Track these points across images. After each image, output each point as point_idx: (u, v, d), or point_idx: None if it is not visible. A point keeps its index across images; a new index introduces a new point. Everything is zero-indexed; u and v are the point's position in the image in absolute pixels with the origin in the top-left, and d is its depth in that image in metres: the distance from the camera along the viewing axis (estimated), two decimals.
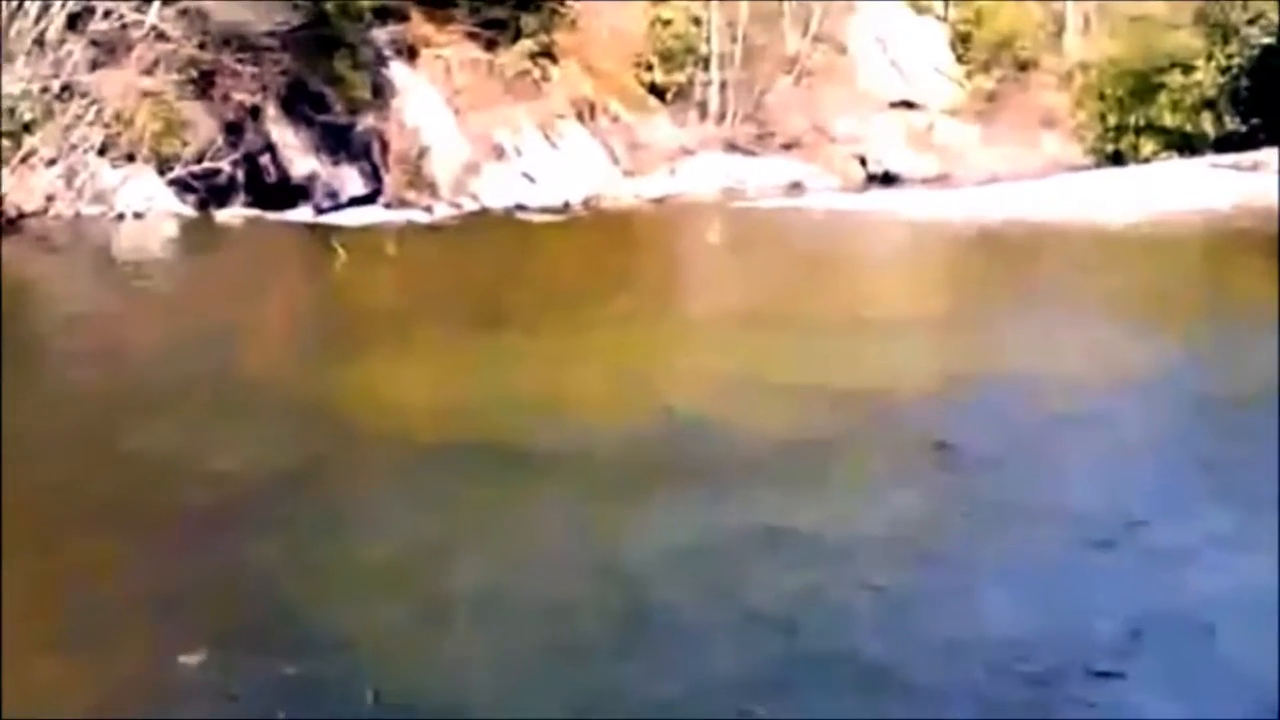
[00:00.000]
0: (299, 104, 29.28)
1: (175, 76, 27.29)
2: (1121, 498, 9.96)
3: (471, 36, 35.91)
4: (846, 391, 12.94)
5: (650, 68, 41.14)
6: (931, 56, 49.14)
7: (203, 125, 27.53)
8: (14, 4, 25.37)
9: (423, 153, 32.44)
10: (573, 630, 7.63)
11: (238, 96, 28.23)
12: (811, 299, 19.21)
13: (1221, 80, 40.53)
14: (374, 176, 30.69)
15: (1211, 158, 37.63)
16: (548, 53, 37.52)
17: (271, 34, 28.41)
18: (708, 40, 42.23)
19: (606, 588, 8.22)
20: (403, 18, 34.10)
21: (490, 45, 36.07)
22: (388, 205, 30.32)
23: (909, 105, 47.63)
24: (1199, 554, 8.81)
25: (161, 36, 27.44)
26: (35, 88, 25.11)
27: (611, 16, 41.45)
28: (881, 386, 13.22)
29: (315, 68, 29.90)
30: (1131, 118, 42.25)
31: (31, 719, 6.58)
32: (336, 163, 29.94)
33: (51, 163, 25.03)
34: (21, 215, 23.90)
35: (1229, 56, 40.60)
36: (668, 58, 41.19)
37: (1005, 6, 48.91)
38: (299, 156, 29.23)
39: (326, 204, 29.27)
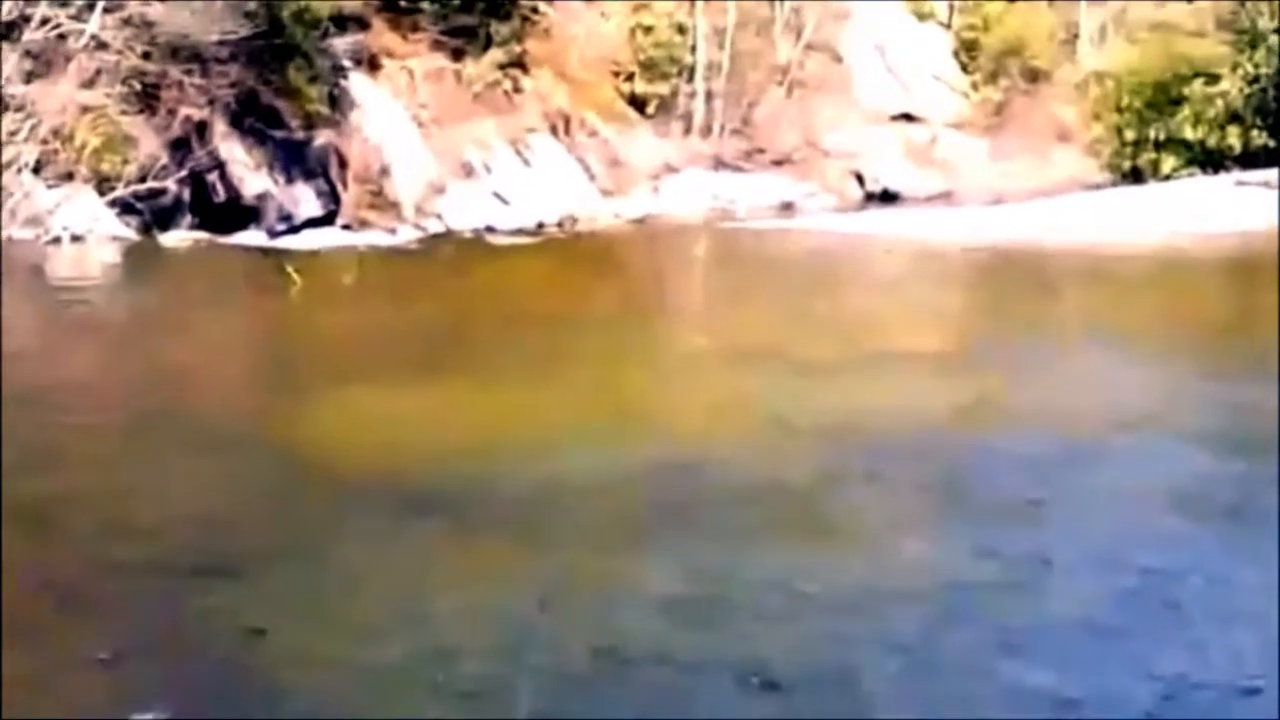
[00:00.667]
0: (250, 118, 29.26)
1: (117, 89, 27.25)
2: (1147, 545, 9.93)
3: (437, 45, 35.96)
4: (846, 430, 12.90)
5: (630, 78, 41.24)
6: (934, 65, 49.38)
7: (146, 142, 27.47)
8: None
9: (384, 171, 32.44)
10: (546, 704, 7.56)
11: (184, 111, 28.19)
12: (807, 331, 19.18)
13: (1248, 91, 40.65)
14: (331, 196, 30.65)
15: (1238, 174, 37.75)
16: (519, 63, 37.59)
17: (221, 43, 28.41)
18: (692, 48, 42.37)
19: (570, 654, 8.15)
20: (363, 25, 34.16)
21: (457, 55, 36.13)
22: (346, 227, 30.29)
23: (909, 118, 47.84)
24: (1238, 613, 8.79)
25: (102, 46, 27.42)
26: None
27: (588, 23, 41.56)
28: (885, 425, 13.19)
29: (268, 79, 29.89)
30: (1151, 131, 42.37)
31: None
32: (291, 182, 29.90)
33: None
34: None
35: (1256, 65, 40.75)
36: (649, 67, 41.31)
37: (1014, 11, 49.14)
38: (250, 175, 29.19)
39: (280, 226, 29.21)
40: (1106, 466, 12.10)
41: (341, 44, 32.92)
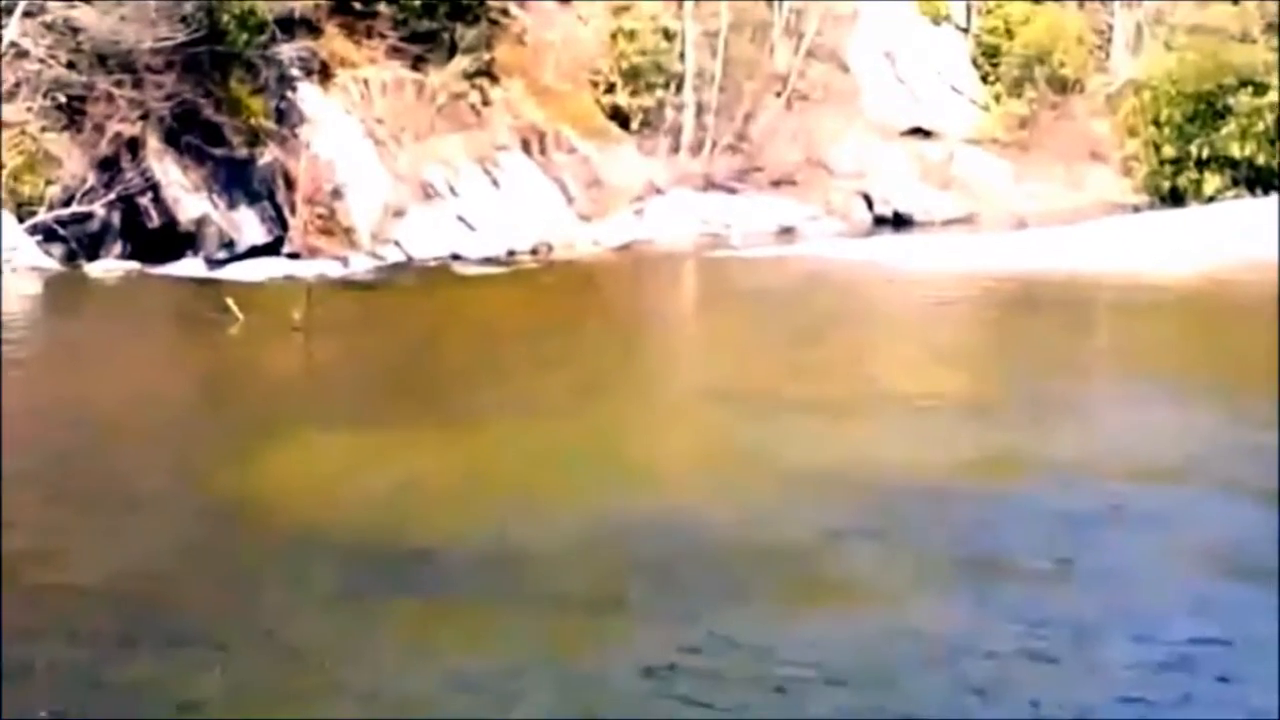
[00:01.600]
0: (187, 135, 29.31)
1: (39, 103, 27.28)
2: (1191, 610, 9.96)
3: (396, 53, 36.06)
4: (852, 481, 12.93)
5: (612, 89, 41.37)
6: (950, 74, 49.58)
7: (71, 161, 27.48)
8: None
9: (337, 193, 32.48)
10: None
11: (114, 126, 28.21)
12: (809, 371, 19.22)
13: None
14: (277, 221, 30.70)
15: None
16: (487, 72, 37.71)
17: (154, 51, 28.46)
18: (681, 56, 42.53)
19: None
20: (313, 30, 34.24)
21: (418, 63, 36.22)
22: (294, 256, 30.30)
23: (923, 133, 48.02)
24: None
25: (22, 55, 27.45)
26: None
27: (565, 28, 41.71)
28: (895, 477, 13.22)
29: (207, 91, 29.96)
30: (1192, 148, 42.50)
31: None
32: (232, 205, 29.95)
33: None
34: None
35: None
36: (633, 77, 41.45)
37: (1040, 14, 49.36)
38: (187, 198, 29.22)
39: (220, 255, 29.23)
40: (1143, 522, 12.14)
41: (289, 51, 32.99)
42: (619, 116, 41.16)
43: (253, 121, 30.70)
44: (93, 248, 27.71)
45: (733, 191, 41.56)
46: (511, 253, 33.77)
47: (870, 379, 18.89)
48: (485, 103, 37.45)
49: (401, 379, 18.79)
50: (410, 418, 15.93)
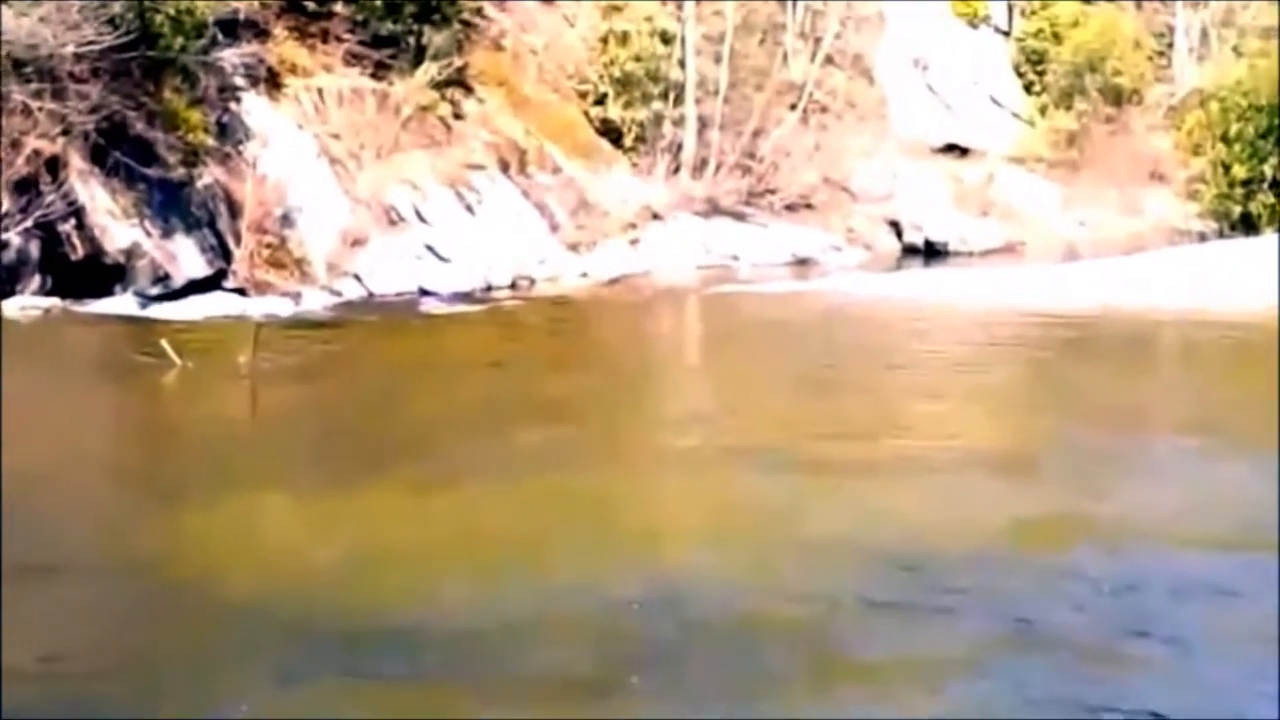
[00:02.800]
0: (116, 152, 29.35)
1: None
2: (1263, 695, 9.99)
3: (355, 59, 36.22)
4: (880, 549, 12.96)
5: (602, 100, 41.58)
6: (989, 83, 49.83)
7: None
8: None
9: (287, 219, 32.57)
10: None
11: (31, 143, 28.27)
12: (829, 424, 19.25)
13: None
14: (220, 252, 30.76)
15: None
16: (460, 80, 37.89)
17: (78, 57, 28.56)
18: (681, 62, 42.74)
19: None
20: (260, 33, 34.38)
21: (380, 71, 36.38)
22: (239, 291, 30.36)
23: (959, 151, 48.28)
24: None
25: None
26: None
27: (549, 30, 41.94)
28: (931, 544, 13.25)
29: (138, 103, 30.02)
30: (1266, 167, 42.68)
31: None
32: (168, 233, 30.00)
33: None
34: None
35: None
36: (626, 86, 41.66)
37: (1092, 15, 49.59)
38: (115, 225, 29.27)
39: (153, 290, 29.27)
40: (1209, 593, 12.16)
41: (232, 57, 33.09)
42: (610, 131, 41.34)
43: (190, 137, 30.74)
44: (7, 283, 27.73)
45: (741, 217, 41.75)
46: (488, 287, 33.86)
47: (900, 433, 18.91)
48: (457, 116, 37.60)
49: (362, 433, 18.79)
50: (371, 477, 15.93)
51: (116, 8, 29.21)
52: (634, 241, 38.88)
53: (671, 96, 42.29)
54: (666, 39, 42.56)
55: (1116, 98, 48.92)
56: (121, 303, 28.68)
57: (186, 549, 13.37)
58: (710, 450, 17.90)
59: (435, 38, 36.94)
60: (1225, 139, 43.79)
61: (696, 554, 13.38)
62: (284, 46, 35.14)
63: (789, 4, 46.57)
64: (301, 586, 12.23)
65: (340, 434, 18.82)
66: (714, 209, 41.44)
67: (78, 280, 28.55)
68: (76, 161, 28.94)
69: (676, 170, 41.98)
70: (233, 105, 33.00)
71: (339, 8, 36.09)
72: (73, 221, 28.74)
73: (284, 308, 29.95)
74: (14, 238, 27.67)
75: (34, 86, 28.29)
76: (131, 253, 29.32)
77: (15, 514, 14.00)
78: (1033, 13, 50.65)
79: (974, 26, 50.40)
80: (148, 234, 29.61)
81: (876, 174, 45.60)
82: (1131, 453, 17.60)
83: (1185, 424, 19.68)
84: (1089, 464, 16.85)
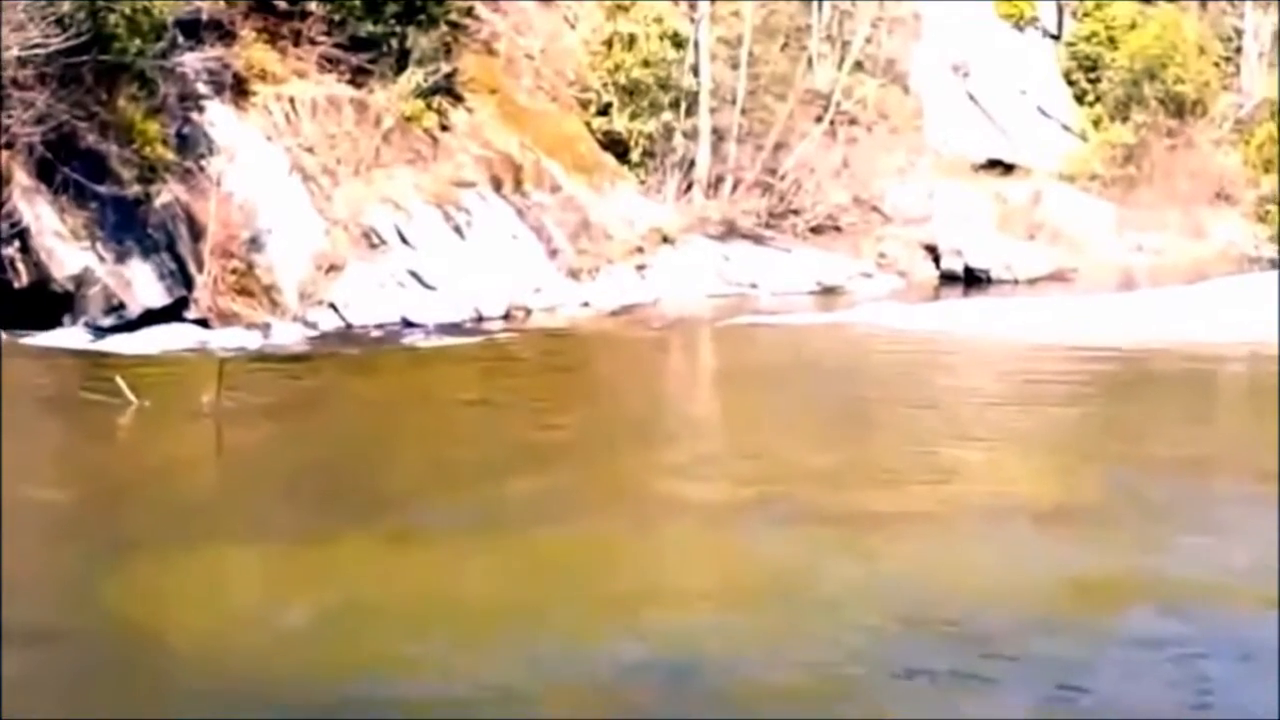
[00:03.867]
0: (65, 168, 29.37)
1: None
2: None
3: (331, 64, 36.27)
4: (916, 614, 12.94)
5: (606, 110, 41.63)
6: (1038, 93, 49.87)
7: None
8: None
9: (255, 242, 32.58)
10: None
11: None
12: (856, 471, 19.24)
13: None
14: (180, 278, 30.74)
15: None
16: (448, 88, 37.93)
17: (23, 62, 28.58)
18: (694, 68, 42.79)
19: None
20: (225, 35, 34.41)
21: (359, 77, 36.42)
22: (202, 322, 30.35)
23: (1003, 167, 48.31)
24: None
25: None
26: None
27: (547, 32, 42.01)
28: (975, 608, 13.24)
29: (90, 112, 30.02)
30: None
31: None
32: (122, 258, 29.99)
33: None
34: None
35: None
36: (633, 95, 41.71)
37: (1151, 17, 49.57)
38: (64, 248, 29.28)
39: (106, 321, 29.27)
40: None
41: (194, 62, 33.12)
42: (615, 145, 41.39)
43: (148, 151, 30.72)
44: None
45: (760, 241, 41.77)
46: (478, 318, 33.86)
47: (935, 480, 18.89)
48: (445, 127, 37.64)
49: (336, 480, 18.78)
50: (346, 530, 15.93)
51: (66, 7, 29.19)
52: (641, 268, 38.90)
53: (683, 106, 42.35)
54: (678, 42, 42.62)
55: (1178, 108, 48.92)
56: (70, 335, 28.67)
57: (140, 610, 13.35)
58: (722, 500, 17.88)
59: (420, 40, 36.95)
60: None
61: (704, 617, 13.35)
62: (252, 50, 35.17)
63: (814, 4, 46.63)
64: (265, 653, 12.23)
65: (312, 481, 18.81)
66: (730, 231, 41.48)
67: (21, 310, 28.53)
68: (21, 178, 28.96)
69: (689, 189, 42.02)
70: (195, 115, 33.02)
71: (313, 7, 36.12)
72: (16, 245, 28.74)
73: (251, 340, 29.94)
74: None
75: None
76: (82, 279, 29.30)
77: None
78: (1085, 14, 50.69)
79: (1020, 29, 50.46)
80: (100, 258, 29.58)
81: (911, 193, 45.62)
82: (1194, 503, 17.58)
83: (1253, 471, 19.63)
84: (1147, 515, 16.83)
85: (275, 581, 14.32)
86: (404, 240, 35.00)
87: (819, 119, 45.34)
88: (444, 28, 37.79)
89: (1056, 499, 18.22)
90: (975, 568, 14.73)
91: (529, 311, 35.24)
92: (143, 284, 30.18)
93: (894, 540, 15.64)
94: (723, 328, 34.54)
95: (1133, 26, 49.55)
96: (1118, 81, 48.96)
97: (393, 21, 36.70)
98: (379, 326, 32.51)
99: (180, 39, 32.60)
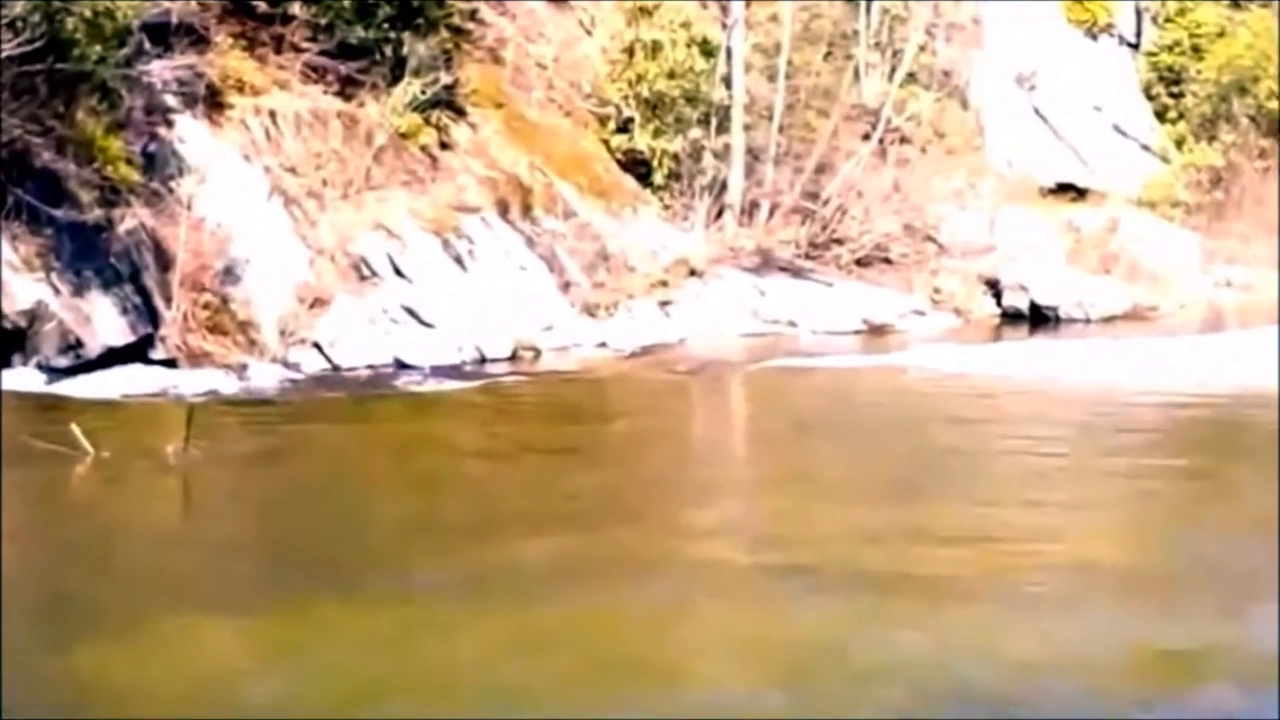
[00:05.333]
0: (16, 189, 29.45)
1: None
2: None
3: (316, 74, 36.34)
4: (988, 696, 12.95)
5: (627, 126, 41.67)
6: (1114, 109, 49.87)
7: None
8: None
9: (231, 273, 32.63)
10: None
11: None
12: (905, 535, 19.21)
13: None
14: (145, 314, 30.78)
15: None
16: (449, 101, 37.99)
17: None
18: (726, 79, 42.85)
19: None
20: (198, 41, 34.42)
21: (349, 88, 36.49)
22: (169, 364, 30.39)
23: (1075, 192, 48.30)
24: None
25: None
26: None
27: (561, 39, 42.07)
28: (1052, 690, 13.25)
29: (44, 127, 30.10)
30: None
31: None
32: (81, 290, 30.04)
33: None
34: None
35: None
36: (657, 109, 41.76)
37: (1242, 25, 49.49)
38: (16, 280, 29.33)
39: (62, 361, 29.31)
40: None
41: (163, 71, 33.18)
42: (637, 166, 41.47)
43: (110, 171, 30.79)
44: None
45: (800, 274, 41.80)
46: (481, 360, 33.90)
47: (995, 544, 18.88)
48: (445, 145, 37.73)
49: (318, 542, 18.79)
50: (328, 599, 15.93)
51: (18, 8, 29.25)
52: (665, 304, 38.93)
53: (714, 123, 42.40)
54: (708, 50, 42.67)
55: (1272, 127, 48.86)
56: (22, 376, 28.73)
57: (94, 690, 13.36)
58: (754, 566, 17.88)
59: (418, 47, 36.97)
60: None
61: (733, 698, 13.36)
62: (228, 58, 35.27)
63: (861, 7, 46.69)
64: None
65: (291, 543, 18.83)
66: (766, 263, 41.52)
67: None
68: None
69: (719, 215, 42.08)
70: (163, 131, 33.10)
71: (297, 9, 36.15)
72: None
73: (225, 384, 29.98)
74: None
75: None
76: (35, 314, 29.35)
77: None
78: (1168, 20, 50.75)
79: (1094, 37, 50.51)
80: (55, 291, 29.64)
81: (970, 221, 45.66)
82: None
83: None
84: (1231, 583, 16.80)
85: (245, 656, 14.32)
86: (398, 272, 35.05)
87: (866, 137, 45.37)
88: (444, 33, 37.88)
89: (1129, 563, 18.20)
90: (1038, 640, 14.71)
91: (538, 353, 35.26)
92: (103, 320, 30.21)
93: (944, 610, 15.63)
94: (756, 371, 34.54)
95: (1221, 34, 49.58)
96: (1204, 96, 48.99)
97: (386, 26, 36.74)
98: (369, 369, 32.56)
99: (147, 45, 32.67)
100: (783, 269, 41.75)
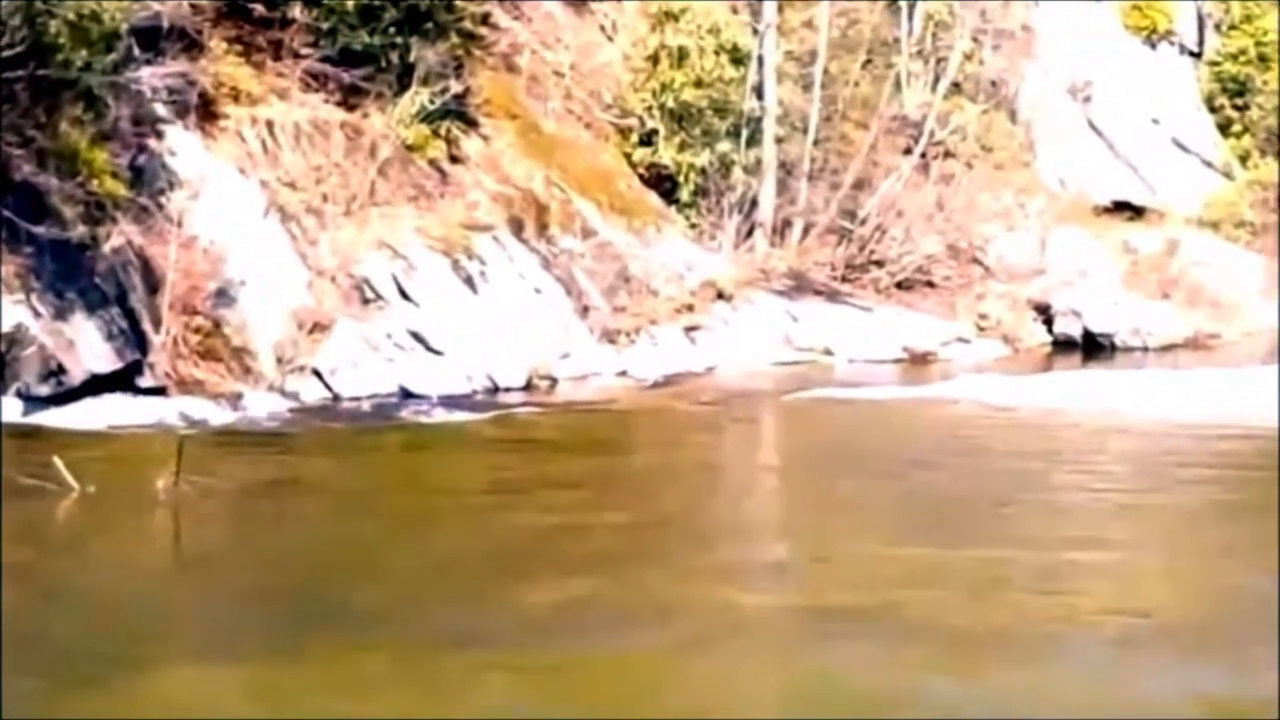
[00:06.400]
0: None
1: None
2: None
3: (317, 82, 36.34)
4: None
5: (650, 139, 41.67)
6: (1174, 122, 49.83)
7: None
8: None
9: (224, 294, 32.63)
10: None
11: None
12: (950, 583, 19.19)
13: None
14: (133, 339, 30.79)
15: None
16: (460, 111, 37.99)
17: None
18: (757, 89, 42.85)
19: None
20: (191, 46, 34.42)
21: (352, 98, 36.49)
22: (159, 392, 30.39)
23: (1132, 211, 48.25)
24: None
25: None
26: None
27: (581, 45, 42.07)
28: None
29: (25, 137, 30.14)
30: None
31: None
32: (63, 313, 30.05)
33: None
34: None
35: None
36: (683, 121, 41.75)
37: None
38: None
39: (44, 389, 29.33)
40: None
41: (153, 78, 33.17)
42: (661, 181, 41.48)
43: (95, 185, 30.79)
44: None
45: (836, 298, 41.79)
46: (493, 390, 33.89)
47: (1048, 590, 18.87)
48: (455, 158, 37.74)
49: (317, 585, 18.80)
50: (327, 644, 15.94)
51: None
52: (691, 330, 38.92)
53: (744, 135, 42.40)
54: (738, 58, 42.69)
55: None
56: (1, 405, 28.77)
57: None
58: (790, 612, 17.86)
59: (426, 54, 36.96)
60: None
61: None
62: (222, 64, 35.29)
63: (903, 12, 46.69)
64: None
65: (289, 585, 18.82)
66: (800, 286, 41.51)
67: None
68: None
69: (749, 234, 42.08)
70: (152, 142, 33.13)
71: (296, 13, 36.09)
72: None
73: (218, 415, 30.00)
74: None
75: None
76: (15, 339, 29.37)
77: None
78: (1232, 27, 50.72)
79: (1153, 45, 50.48)
80: (36, 313, 29.66)
81: (1019, 242, 45.62)
82: None
83: None
84: None
85: (238, 700, 14.31)
86: (404, 295, 35.04)
87: (908, 151, 45.36)
88: (454, 38, 37.85)
89: (1190, 612, 18.16)
90: (1093, 695, 14.69)
91: (554, 382, 35.26)
92: (87, 345, 30.23)
93: (993, 663, 15.61)
94: (789, 403, 34.52)
95: None
96: (1270, 109, 48.94)
97: (392, 31, 36.71)
98: (372, 399, 32.58)
99: (135, 50, 32.61)
100: (817, 293, 41.73)
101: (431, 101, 36.77)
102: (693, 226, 41.50)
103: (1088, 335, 43.59)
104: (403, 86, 36.73)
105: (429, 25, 37.11)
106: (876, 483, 26.39)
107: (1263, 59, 49.47)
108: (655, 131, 41.60)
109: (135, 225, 31.52)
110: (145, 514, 21.97)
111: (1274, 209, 47.87)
